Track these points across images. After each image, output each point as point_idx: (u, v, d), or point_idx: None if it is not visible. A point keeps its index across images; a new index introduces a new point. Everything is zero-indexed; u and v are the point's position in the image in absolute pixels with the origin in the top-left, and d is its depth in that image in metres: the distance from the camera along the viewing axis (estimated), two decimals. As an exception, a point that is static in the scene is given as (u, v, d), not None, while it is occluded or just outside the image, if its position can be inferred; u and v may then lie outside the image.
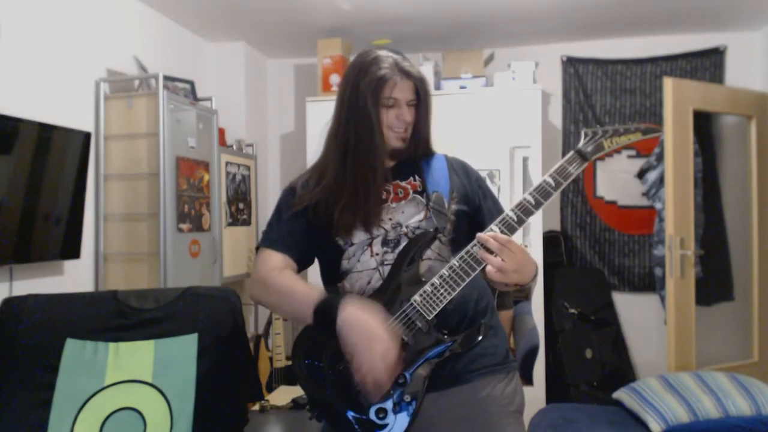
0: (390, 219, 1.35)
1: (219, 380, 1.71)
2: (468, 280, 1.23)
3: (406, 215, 1.35)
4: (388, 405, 1.21)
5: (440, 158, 1.46)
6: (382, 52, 1.36)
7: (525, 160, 3.61)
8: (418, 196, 1.38)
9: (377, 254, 1.33)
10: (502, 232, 1.23)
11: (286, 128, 4.47)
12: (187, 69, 3.71)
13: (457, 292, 1.23)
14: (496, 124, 3.58)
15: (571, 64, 4.09)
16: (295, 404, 2.66)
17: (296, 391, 2.78)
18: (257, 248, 1.43)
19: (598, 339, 3.75)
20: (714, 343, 3.55)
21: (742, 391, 2.54)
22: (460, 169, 1.46)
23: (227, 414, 1.72)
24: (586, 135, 1.33)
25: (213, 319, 1.76)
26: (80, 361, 1.67)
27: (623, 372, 3.76)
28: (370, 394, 1.19)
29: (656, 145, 3.67)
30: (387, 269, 1.31)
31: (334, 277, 1.37)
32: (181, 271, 2.97)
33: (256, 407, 2.66)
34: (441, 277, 1.24)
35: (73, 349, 1.68)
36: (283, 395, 2.84)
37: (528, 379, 2.87)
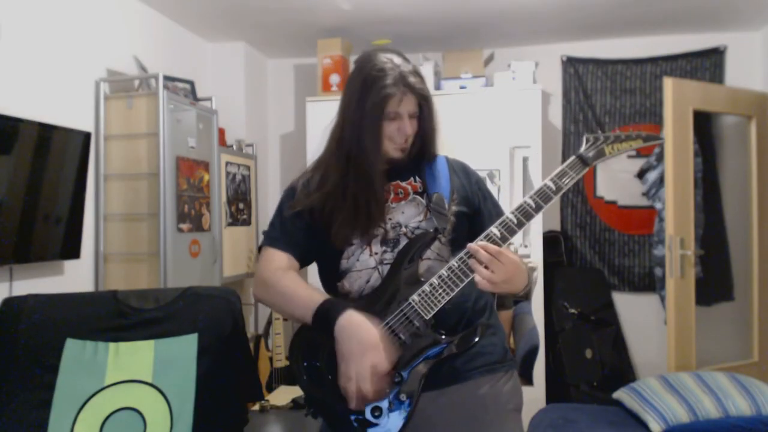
0: (390, 219, 1.35)
1: (219, 380, 1.71)
2: (466, 281, 1.23)
3: (406, 215, 1.36)
4: (384, 404, 1.22)
5: (441, 160, 1.46)
6: (387, 63, 1.32)
7: (525, 160, 3.61)
8: (418, 197, 1.38)
9: (376, 253, 1.34)
10: (502, 234, 1.24)
11: (286, 128, 4.47)
12: (187, 69, 3.71)
13: (455, 292, 1.23)
14: (496, 124, 3.58)
15: (571, 64, 4.09)
16: (295, 404, 2.66)
17: (296, 391, 2.79)
18: (259, 248, 1.44)
19: (598, 339, 3.75)
20: (714, 343, 3.55)
21: (742, 391, 2.54)
22: (460, 171, 1.47)
23: (227, 414, 1.72)
24: (587, 140, 1.34)
25: (213, 319, 1.76)
26: (80, 361, 1.67)
27: (623, 372, 3.76)
28: (351, 401, 1.19)
29: (656, 146, 3.67)
30: (386, 268, 1.31)
31: (333, 276, 1.38)
32: (181, 271, 2.97)
33: (256, 407, 2.66)
34: (440, 277, 1.24)
35: (73, 349, 1.68)
36: (283, 395, 2.84)
37: (528, 379, 2.87)
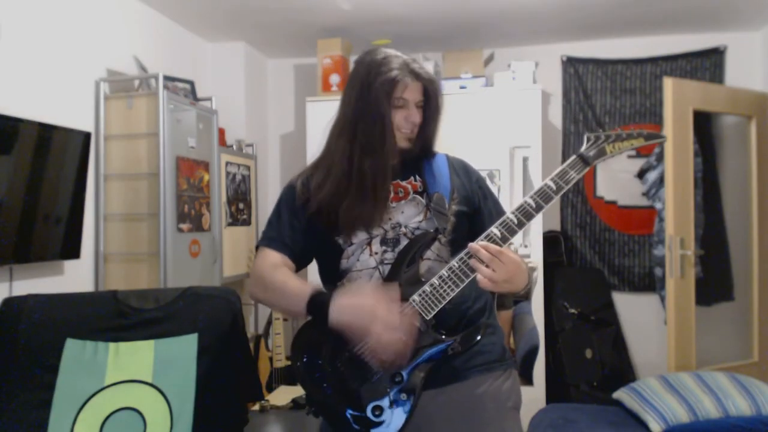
0: (389, 219, 1.35)
1: (219, 380, 1.71)
2: (466, 282, 1.23)
3: (406, 215, 1.36)
4: (385, 402, 1.22)
5: (441, 158, 1.46)
6: (391, 52, 1.35)
7: (525, 160, 3.61)
8: (418, 197, 1.38)
9: (376, 253, 1.33)
10: (502, 234, 1.24)
11: (286, 128, 4.47)
12: (187, 69, 3.71)
13: (455, 293, 1.24)
14: (496, 124, 3.58)
15: (571, 64, 4.09)
16: (295, 404, 2.66)
17: (296, 391, 2.79)
18: (257, 247, 1.43)
19: (598, 339, 3.75)
20: (714, 343, 3.55)
21: (742, 391, 2.54)
22: (461, 170, 1.46)
23: (227, 414, 1.72)
24: (588, 139, 1.33)
25: (213, 319, 1.77)
26: (80, 361, 1.67)
27: (623, 372, 3.76)
28: (395, 365, 1.21)
29: (656, 145, 3.67)
30: (386, 268, 1.31)
31: (333, 276, 1.38)
32: (181, 271, 2.97)
33: (256, 407, 2.66)
34: (440, 277, 1.24)
35: (73, 349, 1.68)
36: (283, 395, 2.84)
37: (528, 379, 2.87)
